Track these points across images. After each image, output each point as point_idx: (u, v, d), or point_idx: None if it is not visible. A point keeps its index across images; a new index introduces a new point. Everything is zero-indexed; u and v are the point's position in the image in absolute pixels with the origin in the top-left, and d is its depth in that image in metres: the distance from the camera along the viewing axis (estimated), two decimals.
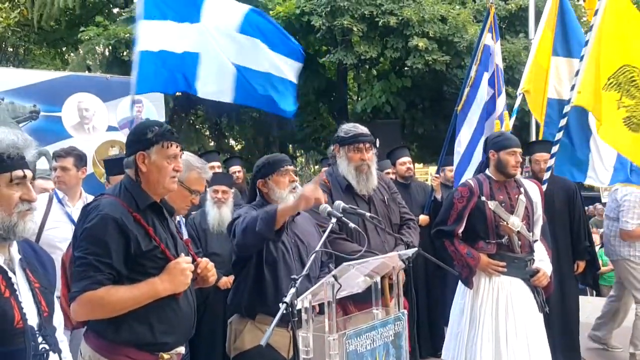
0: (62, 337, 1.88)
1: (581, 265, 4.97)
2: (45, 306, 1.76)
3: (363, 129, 3.41)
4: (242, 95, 4.56)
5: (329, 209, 2.70)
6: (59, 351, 1.78)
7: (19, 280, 1.72)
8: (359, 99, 13.09)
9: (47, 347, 1.71)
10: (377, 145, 3.50)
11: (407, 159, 5.64)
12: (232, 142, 17.23)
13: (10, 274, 1.70)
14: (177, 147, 2.25)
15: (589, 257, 4.98)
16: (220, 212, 4.38)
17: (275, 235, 2.64)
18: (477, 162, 4.67)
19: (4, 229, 1.67)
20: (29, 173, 1.73)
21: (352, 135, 3.38)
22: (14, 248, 1.76)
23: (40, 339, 1.70)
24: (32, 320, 1.70)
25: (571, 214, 4.91)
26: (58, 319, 1.85)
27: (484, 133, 5.18)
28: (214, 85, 4.51)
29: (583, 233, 4.95)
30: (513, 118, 5.65)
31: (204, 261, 2.36)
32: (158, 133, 2.20)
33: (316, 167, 21.04)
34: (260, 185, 2.97)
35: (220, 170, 5.51)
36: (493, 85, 5.30)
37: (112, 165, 3.82)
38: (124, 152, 2.29)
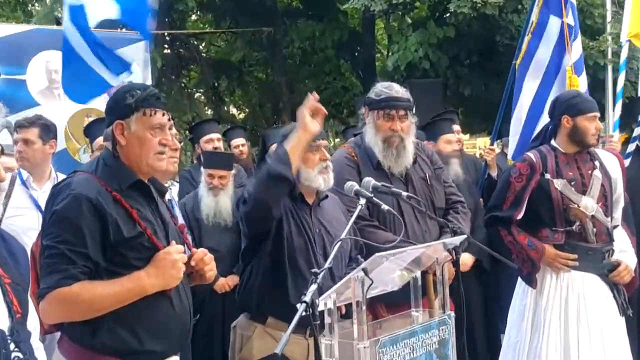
0: (37, 344, 1.91)
1: None
2: (18, 306, 1.78)
3: (399, 92, 3.39)
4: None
5: (357, 187, 2.69)
6: None
7: None
8: (390, 53, 12.95)
9: (20, 355, 1.73)
10: (414, 112, 3.47)
11: (456, 127, 5.53)
12: (233, 109, 17.24)
13: None
14: (163, 115, 2.26)
15: None
16: (216, 200, 4.39)
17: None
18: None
19: None
20: None
21: (383, 98, 3.36)
22: None
23: (12, 346, 1.71)
24: (3, 323, 1.71)
25: None
26: (33, 322, 1.87)
27: (551, 93, 5.11)
28: None
29: None
30: (622, 73, 5.62)
31: (200, 252, 2.37)
32: (139, 98, 2.21)
33: (337, 139, 21.00)
34: None
35: (220, 144, 5.52)
36: (563, 32, 5.20)
37: (92, 130, 3.85)
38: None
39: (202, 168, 4.59)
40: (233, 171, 4.63)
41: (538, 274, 3.60)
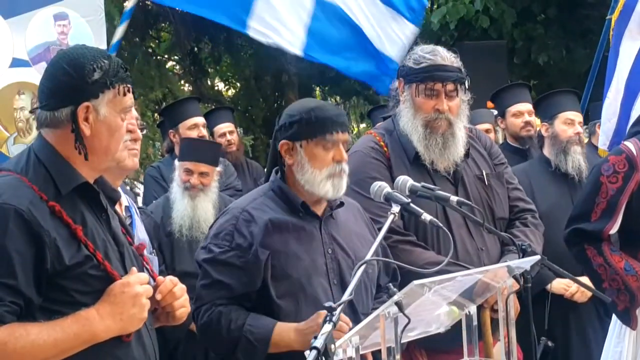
0: None
1: None
2: None
3: (446, 58, 3.40)
4: (316, 46, 5.52)
5: (388, 189, 2.69)
6: None
7: None
8: (435, 6, 12.96)
9: None
10: (468, 86, 3.47)
11: (527, 105, 5.58)
12: (218, 83, 17.29)
13: None
14: (132, 93, 2.29)
15: None
16: (193, 205, 4.40)
17: None
18: None
19: None
20: None
21: (424, 67, 3.36)
22: None
23: None
24: None
25: None
26: None
27: None
28: (276, 22, 5.50)
29: None
30: None
31: (168, 281, 2.37)
32: (110, 71, 2.22)
33: (361, 125, 21.01)
34: (284, 149, 2.98)
35: (204, 131, 5.53)
36: None
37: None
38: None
39: (176, 161, 4.60)
40: (219, 168, 4.64)
41: (639, 309, 3.60)
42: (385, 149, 3.44)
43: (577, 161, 4.69)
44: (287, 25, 5.61)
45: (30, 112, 5.37)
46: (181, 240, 4.37)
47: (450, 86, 3.36)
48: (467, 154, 3.47)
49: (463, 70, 3.42)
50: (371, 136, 3.56)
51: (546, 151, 4.79)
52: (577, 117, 4.90)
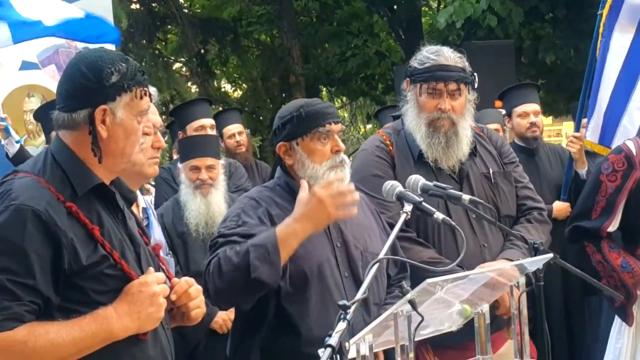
0: None
1: None
2: None
3: (450, 58, 3.42)
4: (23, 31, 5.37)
5: (399, 188, 2.71)
6: None
7: None
8: (442, 6, 12.94)
9: None
10: (475, 85, 3.49)
11: (533, 106, 5.59)
12: (225, 85, 17.29)
13: None
14: (149, 96, 2.31)
15: None
16: (207, 202, 4.39)
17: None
18: None
19: None
20: None
21: (428, 67, 3.39)
22: None
23: None
24: None
25: None
26: None
27: None
28: None
29: None
30: None
31: (184, 282, 2.38)
32: (129, 75, 2.24)
33: (367, 126, 20.98)
34: (282, 151, 3.00)
35: (213, 132, 5.53)
36: None
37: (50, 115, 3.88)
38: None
39: (179, 164, 4.60)
40: (222, 161, 4.64)
41: (635, 305, 3.61)
42: (391, 147, 3.47)
43: None
44: None
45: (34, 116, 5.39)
46: (197, 239, 4.35)
47: (452, 86, 3.39)
48: (474, 153, 3.49)
49: (468, 70, 3.44)
50: (378, 135, 3.61)
51: None
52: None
